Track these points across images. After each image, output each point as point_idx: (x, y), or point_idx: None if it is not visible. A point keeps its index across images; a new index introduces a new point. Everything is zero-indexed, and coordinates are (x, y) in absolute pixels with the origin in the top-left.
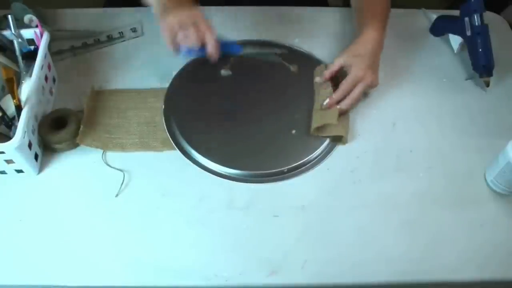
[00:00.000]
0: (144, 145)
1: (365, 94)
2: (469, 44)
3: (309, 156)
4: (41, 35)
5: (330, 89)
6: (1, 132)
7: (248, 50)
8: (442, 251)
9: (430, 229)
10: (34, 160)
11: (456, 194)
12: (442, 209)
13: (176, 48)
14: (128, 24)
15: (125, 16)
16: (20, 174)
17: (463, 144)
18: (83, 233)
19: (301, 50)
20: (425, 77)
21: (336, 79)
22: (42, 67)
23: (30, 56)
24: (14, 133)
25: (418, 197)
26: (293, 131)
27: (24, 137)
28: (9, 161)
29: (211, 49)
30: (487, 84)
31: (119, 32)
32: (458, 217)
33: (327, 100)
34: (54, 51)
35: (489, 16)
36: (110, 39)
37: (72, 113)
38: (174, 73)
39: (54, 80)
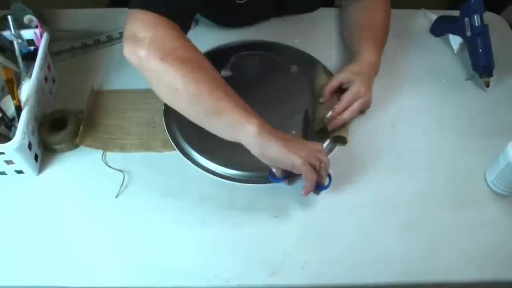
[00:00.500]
0: (144, 146)
1: (361, 112)
2: (469, 45)
3: None
4: (41, 36)
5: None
6: (1, 132)
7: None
8: (442, 252)
9: (430, 229)
10: (34, 160)
11: (456, 195)
12: (442, 210)
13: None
14: None
15: (125, 16)
16: (20, 174)
17: (463, 145)
18: (83, 234)
19: (301, 50)
20: (425, 77)
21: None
22: (42, 68)
23: (30, 57)
24: (14, 134)
25: (418, 198)
26: (293, 132)
27: (24, 138)
28: (9, 162)
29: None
30: (487, 85)
31: (119, 32)
32: (458, 218)
33: (330, 113)
34: (54, 52)
35: (489, 16)
36: (110, 39)
37: (72, 114)
38: None
39: (54, 81)
